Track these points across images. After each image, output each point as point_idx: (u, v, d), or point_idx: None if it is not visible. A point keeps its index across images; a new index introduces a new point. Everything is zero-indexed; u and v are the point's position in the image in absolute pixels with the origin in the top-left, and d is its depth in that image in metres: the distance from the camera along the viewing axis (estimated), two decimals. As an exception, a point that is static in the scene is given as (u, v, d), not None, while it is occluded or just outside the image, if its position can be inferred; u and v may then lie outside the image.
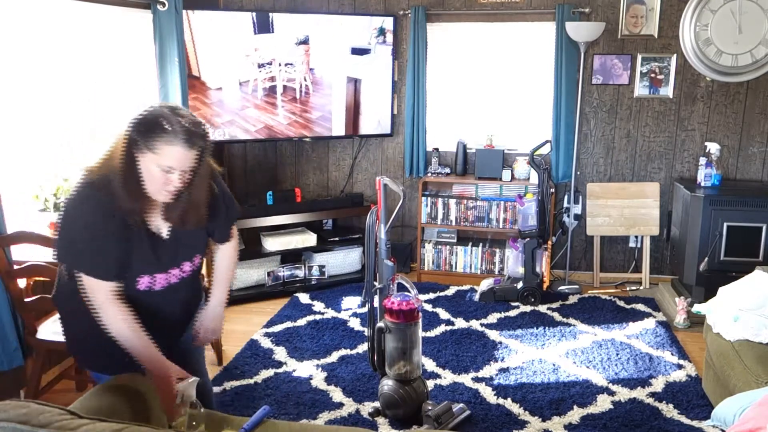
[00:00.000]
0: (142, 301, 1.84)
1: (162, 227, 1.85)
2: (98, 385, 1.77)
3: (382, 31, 4.70)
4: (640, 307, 4.31)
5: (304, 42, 4.52)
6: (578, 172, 4.80)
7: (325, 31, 4.56)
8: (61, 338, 2.69)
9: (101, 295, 1.75)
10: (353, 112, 4.80)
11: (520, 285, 4.34)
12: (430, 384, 3.21)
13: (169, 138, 1.65)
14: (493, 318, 4.11)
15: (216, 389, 3.17)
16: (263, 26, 4.37)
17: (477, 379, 3.28)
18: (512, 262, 4.52)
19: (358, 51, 4.69)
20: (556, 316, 4.15)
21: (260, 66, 4.42)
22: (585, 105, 4.71)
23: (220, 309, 2.12)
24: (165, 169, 1.68)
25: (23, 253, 2.77)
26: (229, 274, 2.17)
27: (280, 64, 4.48)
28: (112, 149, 1.73)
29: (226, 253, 2.14)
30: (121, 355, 1.78)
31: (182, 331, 2.10)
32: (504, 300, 4.36)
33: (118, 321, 1.75)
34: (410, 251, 5.12)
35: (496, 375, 3.33)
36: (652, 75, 4.58)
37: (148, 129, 1.65)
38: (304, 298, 4.45)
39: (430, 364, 3.45)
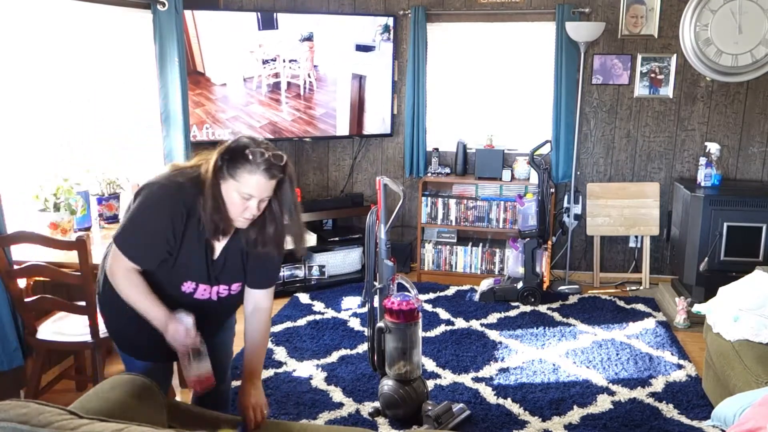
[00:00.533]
0: (182, 301, 1.96)
1: (218, 248, 1.96)
2: (99, 383, 1.77)
3: (387, 28, 4.71)
4: (640, 307, 4.31)
5: (308, 38, 4.52)
6: (578, 172, 4.80)
7: (329, 27, 4.56)
8: (60, 338, 2.71)
9: (119, 265, 1.88)
10: (357, 110, 4.80)
11: (520, 285, 4.34)
12: (430, 384, 3.20)
13: (251, 168, 1.77)
14: (493, 318, 4.11)
15: (216, 389, 3.16)
16: (267, 23, 4.38)
17: (477, 379, 3.28)
18: (512, 262, 4.52)
19: (362, 48, 4.69)
20: (556, 316, 4.15)
21: (264, 62, 4.42)
22: (585, 105, 4.71)
23: (259, 382, 2.07)
24: (245, 197, 1.80)
25: (23, 253, 2.77)
26: (265, 340, 2.14)
27: (284, 60, 4.48)
28: (200, 165, 1.87)
29: (261, 309, 2.10)
30: (154, 344, 1.94)
31: (210, 335, 2.14)
32: (504, 300, 4.36)
33: (126, 287, 1.89)
34: (410, 251, 5.12)
35: (496, 375, 3.33)
36: (652, 75, 4.58)
37: (232, 158, 1.79)
38: (304, 298, 4.45)
39: (430, 364, 3.45)
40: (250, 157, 1.77)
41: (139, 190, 1.88)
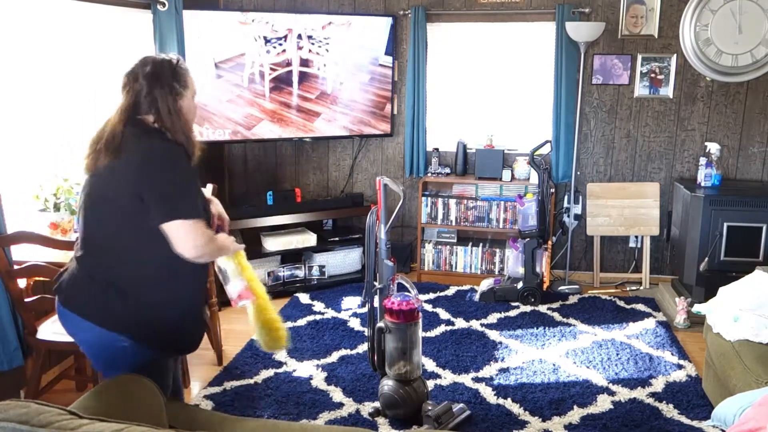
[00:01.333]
0: None
1: None
2: (99, 383, 1.77)
3: (388, 28, 4.72)
4: (640, 307, 4.31)
5: (309, 38, 4.52)
6: (578, 172, 4.80)
7: (329, 27, 4.56)
8: (60, 338, 2.70)
9: (202, 229, 1.86)
10: (357, 110, 4.80)
11: (520, 285, 4.34)
12: (430, 384, 3.20)
13: (187, 70, 1.98)
14: (493, 318, 4.11)
15: (216, 389, 3.17)
16: (267, 23, 4.38)
17: (477, 379, 3.28)
18: (512, 262, 4.52)
19: (363, 48, 4.69)
20: (556, 316, 4.15)
21: (263, 63, 4.42)
22: (585, 105, 4.71)
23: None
24: (196, 95, 2.01)
25: (23, 253, 2.77)
26: None
27: (283, 62, 4.48)
28: (122, 121, 1.89)
29: None
30: (181, 332, 2.02)
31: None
32: (504, 300, 4.36)
33: (216, 247, 1.94)
34: (410, 251, 5.12)
35: (496, 375, 3.33)
36: (652, 75, 4.58)
37: (176, 74, 1.93)
38: (304, 298, 4.45)
39: (430, 364, 3.45)
40: (181, 63, 1.96)
41: (143, 168, 1.83)
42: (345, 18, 4.64)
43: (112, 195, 1.85)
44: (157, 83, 1.89)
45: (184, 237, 1.82)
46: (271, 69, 4.46)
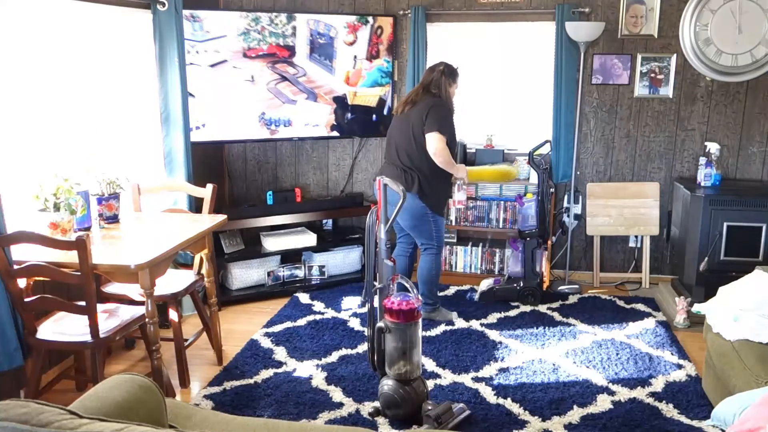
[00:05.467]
0: None
1: None
2: (99, 383, 1.77)
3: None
4: (640, 307, 4.31)
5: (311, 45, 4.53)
6: (578, 172, 4.80)
7: (328, 26, 4.56)
8: (60, 338, 2.71)
9: (443, 143, 3.61)
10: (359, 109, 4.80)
11: (520, 285, 4.34)
12: (430, 384, 3.21)
13: (459, 73, 3.85)
14: (493, 318, 4.11)
15: (216, 389, 3.17)
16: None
17: (477, 379, 3.28)
18: (512, 262, 4.52)
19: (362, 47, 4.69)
20: (556, 316, 4.16)
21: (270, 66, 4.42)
22: (585, 105, 4.71)
23: None
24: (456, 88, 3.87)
25: (23, 253, 2.77)
26: None
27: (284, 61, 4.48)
28: (435, 87, 3.75)
29: None
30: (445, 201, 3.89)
31: None
32: (504, 300, 4.36)
33: (448, 155, 3.67)
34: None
35: (496, 375, 3.33)
36: (652, 75, 4.58)
37: (455, 74, 3.80)
38: (304, 298, 4.45)
39: (430, 364, 3.45)
40: (457, 69, 3.82)
41: (431, 109, 3.63)
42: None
43: (415, 124, 3.63)
44: (444, 75, 3.72)
45: (434, 142, 3.57)
46: (275, 68, 4.46)
